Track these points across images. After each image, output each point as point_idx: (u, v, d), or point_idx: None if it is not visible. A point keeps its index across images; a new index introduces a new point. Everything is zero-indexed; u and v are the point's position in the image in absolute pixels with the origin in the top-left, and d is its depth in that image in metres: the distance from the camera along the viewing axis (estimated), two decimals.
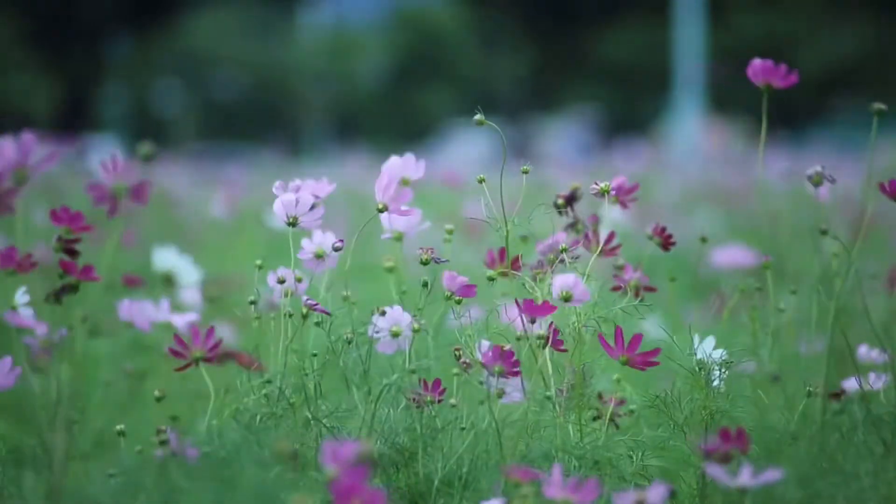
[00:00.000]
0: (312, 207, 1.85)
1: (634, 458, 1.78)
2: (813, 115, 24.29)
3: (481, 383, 1.77)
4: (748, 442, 1.65)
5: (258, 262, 1.85)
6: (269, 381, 1.77)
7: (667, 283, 2.19)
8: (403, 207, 1.87)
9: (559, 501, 1.53)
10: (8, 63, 25.14)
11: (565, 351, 1.80)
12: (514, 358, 1.75)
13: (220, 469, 1.56)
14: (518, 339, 1.79)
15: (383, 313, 1.82)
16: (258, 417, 1.75)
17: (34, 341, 1.85)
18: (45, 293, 1.80)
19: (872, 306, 1.83)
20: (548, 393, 1.83)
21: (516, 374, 1.76)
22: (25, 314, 1.85)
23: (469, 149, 15.76)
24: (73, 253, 1.80)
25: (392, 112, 27.90)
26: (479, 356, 1.78)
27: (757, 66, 1.91)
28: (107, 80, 28.83)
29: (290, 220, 1.85)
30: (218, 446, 1.64)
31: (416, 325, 1.80)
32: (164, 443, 1.68)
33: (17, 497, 1.67)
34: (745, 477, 1.54)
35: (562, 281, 1.80)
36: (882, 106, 1.84)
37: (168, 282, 2.75)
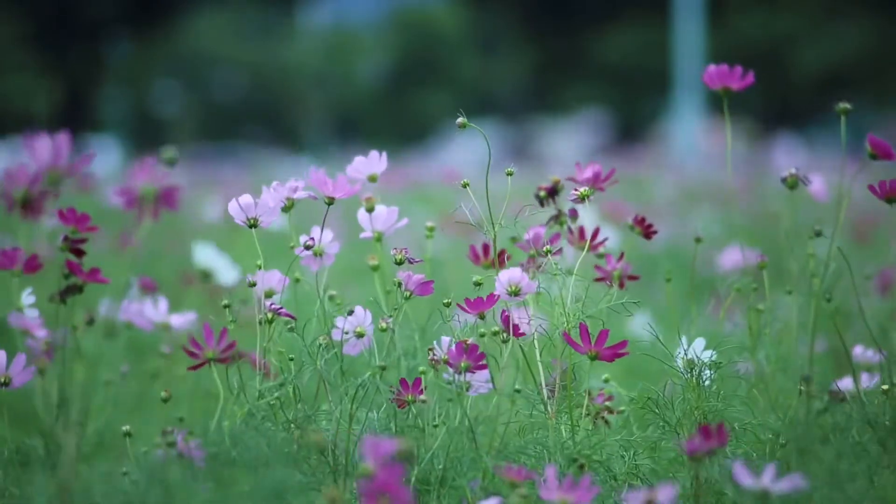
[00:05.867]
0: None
1: (626, 457, 1.79)
2: (813, 115, 24.29)
3: (450, 383, 1.77)
4: (727, 438, 1.65)
5: (259, 262, 1.86)
6: (282, 385, 1.78)
7: (671, 284, 2.20)
8: (366, 193, 1.89)
9: (556, 502, 1.54)
10: (8, 63, 25.13)
11: (523, 335, 1.81)
12: (479, 352, 1.76)
13: (228, 469, 1.57)
14: (482, 335, 1.80)
15: (350, 312, 1.82)
16: (257, 418, 1.76)
17: (35, 343, 1.86)
18: (50, 293, 1.80)
19: (868, 307, 1.84)
20: (517, 387, 1.84)
21: (482, 367, 1.77)
22: (31, 315, 1.86)
23: (468, 150, 15.75)
24: (79, 253, 1.80)
25: (391, 113, 27.88)
26: (440, 353, 1.79)
27: (713, 72, 1.93)
28: (106, 80, 28.82)
29: (250, 221, 1.86)
30: (228, 447, 1.65)
31: (383, 325, 1.81)
32: (171, 444, 1.68)
33: (21, 498, 1.68)
34: (768, 480, 1.54)
35: (508, 275, 1.81)
36: (847, 105, 1.85)
37: (206, 278, 2.82)
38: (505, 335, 1.80)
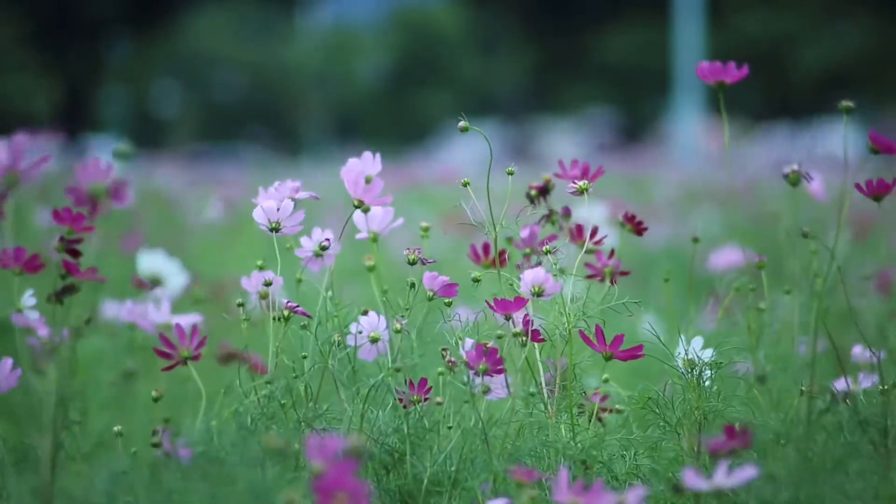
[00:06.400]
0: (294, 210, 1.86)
1: (627, 457, 1.79)
2: (813, 114, 24.28)
3: (465, 384, 1.77)
4: (752, 438, 1.65)
5: (259, 262, 1.86)
6: (269, 382, 1.77)
7: (670, 284, 2.20)
8: (379, 198, 1.88)
9: None
10: (8, 63, 25.14)
11: (542, 341, 1.81)
12: (498, 356, 1.76)
13: (216, 468, 1.56)
14: (500, 336, 1.79)
15: (365, 313, 1.82)
16: (255, 418, 1.76)
17: (37, 342, 1.86)
18: (45, 293, 1.80)
19: (867, 307, 1.84)
20: (532, 390, 1.84)
21: (500, 371, 1.77)
22: (31, 315, 1.85)
23: (468, 150, 15.75)
24: (75, 253, 1.80)
25: (391, 113, 27.88)
26: (462, 355, 1.79)
27: (705, 68, 1.93)
28: (106, 80, 28.82)
29: (273, 225, 1.86)
30: (217, 446, 1.65)
31: (397, 326, 1.80)
32: (157, 444, 1.68)
33: (14, 499, 1.68)
34: (721, 477, 1.54)
35: (532, 275, 1.81)
36: (850, 103, 1.85)
37: (155, 285, 2.74)
38: (524, 338, 1.80)
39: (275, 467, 1.57)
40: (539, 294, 1.81)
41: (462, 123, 1.82)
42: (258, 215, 1.86)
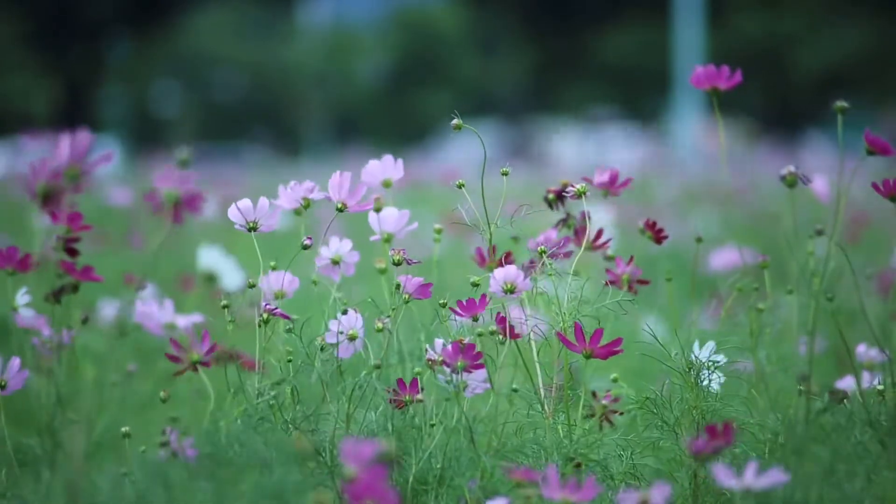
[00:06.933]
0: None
1: (624, 457, 1.78)
2: (812, 115, 24.28)
3: (449, 382, 1.77)
4: (734, 437, 1.64)
5: (272, 263, 1.85)
6: (278, 383, 1.77)
7: (672, 284, 2.20)
8: (361, 203, 1.87)
9: (559, 502, 1.53)
10: (8, 63, 25.14)
11: (518, 336, 1.81)
12: (475, 351, 1.76)
13: (225, 469, 1.56)
14: (480, 335, 1.79)
15: (344, 312, 1.81)
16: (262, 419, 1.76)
17: (39, 342, 1.85)
18: (45, 293, 1.80)
19: (867, 307, 1.84)
20: (514, 386, 1.84)
21: (479, 367, 1.77)
22: (26, 314, 1.85)
23: (468, 149, 15.76)
24: (73, 252, 1.80)
25: (391, 112, 27.88)
26: (433, 354, 1.79)
27: (700, 74, 1.92)
28: (106, 80, 28.82)
29: (250, 225, 1.84)
30: (225, 446, 1.65)
31: (379, 325, 1.80)
32: (164, 444, 1.68)
33: (19, 498, 1.68)
34: (750, 478, 1.54)
35: (504, 273, 1.81)
36: (844, 104, 1.84)
37: (210, 281, 2.75)
38: (501, 336, 1.80)
39: (280, 468, 1.57)
40: (511, 291, 1.81)
41: (455, 121, 1.81)
42: (234, 214, 1.84)
